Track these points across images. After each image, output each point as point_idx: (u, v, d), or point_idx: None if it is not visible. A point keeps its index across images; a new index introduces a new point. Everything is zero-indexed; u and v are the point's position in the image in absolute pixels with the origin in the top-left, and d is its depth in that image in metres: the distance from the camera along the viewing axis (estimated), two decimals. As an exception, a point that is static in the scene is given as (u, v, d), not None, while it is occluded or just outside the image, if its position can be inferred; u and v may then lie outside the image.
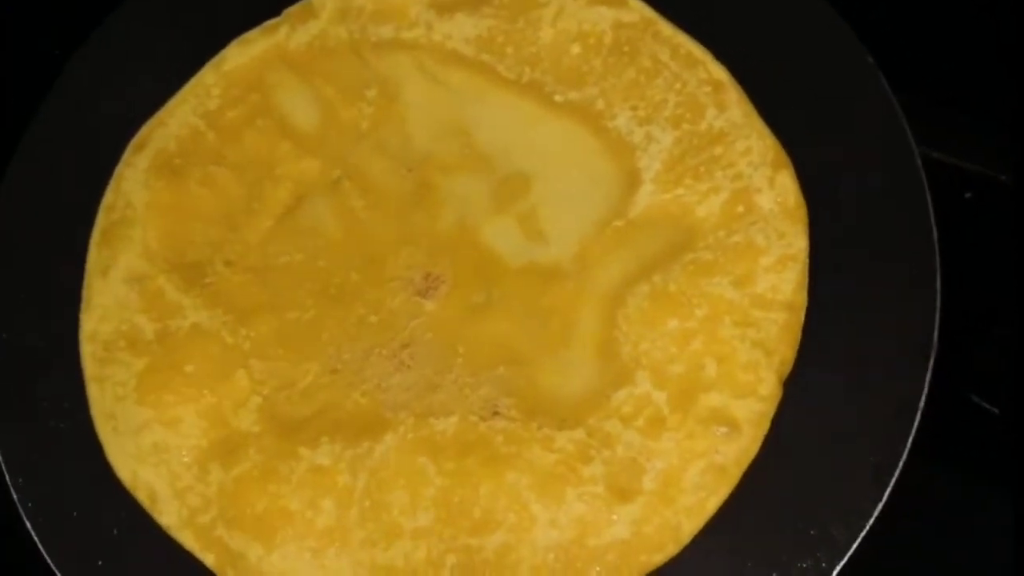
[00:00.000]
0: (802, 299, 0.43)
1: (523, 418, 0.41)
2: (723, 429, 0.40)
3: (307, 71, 0.48)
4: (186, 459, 0.42)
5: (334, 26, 0.48)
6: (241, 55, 0.48)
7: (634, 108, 0.47)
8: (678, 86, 0.47)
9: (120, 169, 0.45)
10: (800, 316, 0.43)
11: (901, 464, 0.40)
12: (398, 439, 0.41)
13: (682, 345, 0.41)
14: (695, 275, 0.43)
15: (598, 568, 0.39)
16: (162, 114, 0.47)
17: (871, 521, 0.40)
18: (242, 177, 0.46)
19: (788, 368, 0.42)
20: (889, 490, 0.40)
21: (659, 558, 0.39)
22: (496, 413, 0.42)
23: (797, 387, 0.42)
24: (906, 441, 0.41)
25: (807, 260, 0.44)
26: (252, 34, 0.48)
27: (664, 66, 0.47)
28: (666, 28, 0.47)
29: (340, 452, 0.41)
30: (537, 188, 0.47)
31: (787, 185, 0.44)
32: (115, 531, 0.42)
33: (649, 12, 0.47)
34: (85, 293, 0.44)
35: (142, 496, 0.41)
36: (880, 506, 0.40)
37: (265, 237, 0.46)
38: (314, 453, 0.41)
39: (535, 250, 0.46)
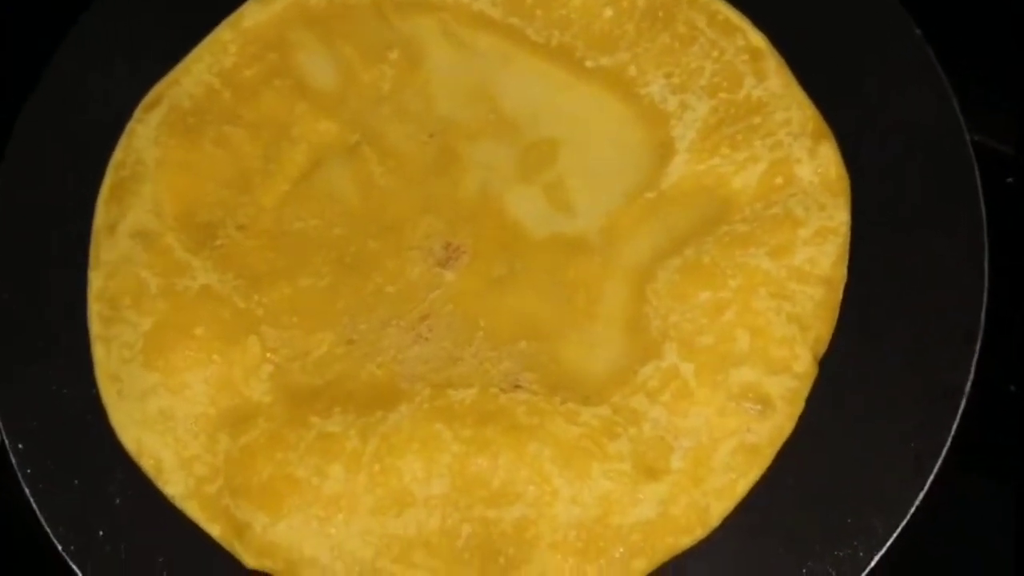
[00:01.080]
0: (841, 274, 0.41)
1: (546, 392, 0.40)
2: (755, 406, 0.39)
3: (327, 30, 0.47)
4: (193, 427, 0.41)
5: (358, -16, 0.47)
6: (260, 12, 0.47)
7: (668, 75, 0.46)
8: (715, 54, 0.45)
9: (131, 126, 0.45)
10: (838, 292, 0.41)
11: (944, 452, 0.39)
12: (413, 408, 0.40)
13: (713, 316, 0.40)
14: (730, 246, 0.42)
15: (622, 549, 0.38)
16: (176, 72, 0.46)
17: (912, 510, 0.38)
18: (257, 137, 0.45)
19: (824, 346, 0.41)
20: (931, 478, 0.39)
21: (686, 540, 0.38)
22: (518, 386, 0.41)
23: (833, 367, 0.41)
24: (950, 428, 0.39)
25: (848, 234, 0.42)
26: (271, -10, 0.47)
27: (700, 32, 0.46)
28: (703, -8, 0.46)
29: (352, 421, 0.40)
30: (564, 157, 0.46)
31: (829, 156, 0.43)
32: (118, 500, 0.40)
33: (686, -24, 0.46)
34: (92, 251, 0.43)
35: (147, 464, 0.40)
36: (921, 495, 0.39)
37: (280, 201, 0.45)
38: (325, 422, 0.40)
39: (561, 221, 0.45)
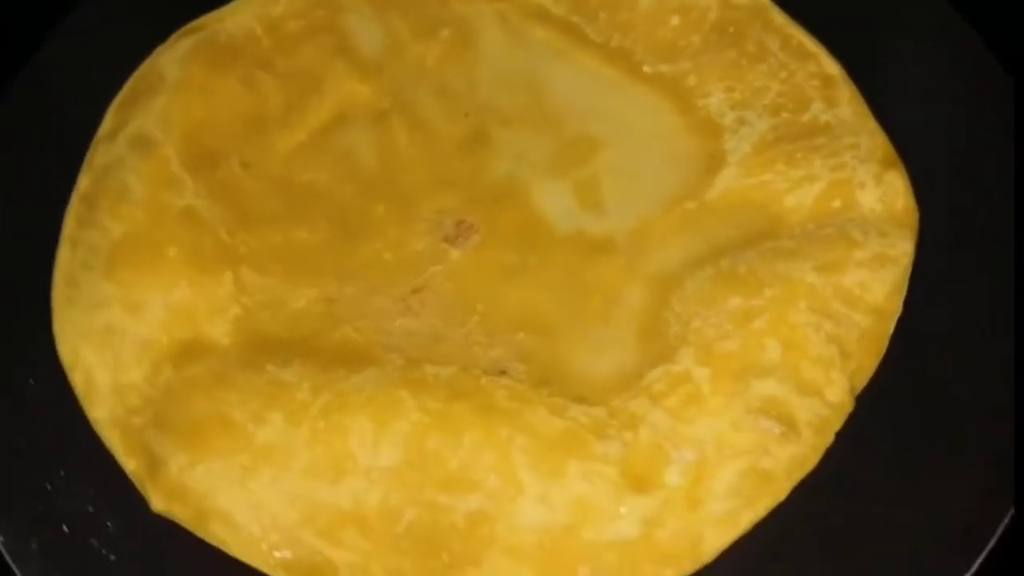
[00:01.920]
0: (895, 306, 0.36)
1: (534, 383, 0.35)
2: (777, 426, 0.33)
3: (382, 2, 0.46)
4: (139, 352, 0.37)
5: (422, -39, 0.46)
6: (319, -30, 0.46)
7: (729, 90, 0.43)
8: (783, 75, 0.42)
9: (160, 49, 0.43)
10: (889, 326, 0.36)
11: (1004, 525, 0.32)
12: (381, 374, 0.35)
13: (741, 322, 0.35)
14: (772, 259, 0.37)
15: (588, 569, 0.31)
16: (222, 11, 0.45)
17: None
18: (285, 87, 0.43)
19: (864, 380, 0.35)
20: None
21: (669, 573, 0.31)
22: (503, 372, 0.36)
23: (873, 407, 0.35)
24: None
25: (909, 267, 0.37)
26: (334, -48, 0.47)
27: (771, 54, 0.43)
28: (778, 16, 0.44)
29: (310, 375, 0.35)
30: (604, 156, 0.42)
31: (897, 184, 0.39)
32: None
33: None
34: (88, 156, 0.41)
35: (78, 380, 0.36)
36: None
37: (293, 150, 0.42)
38: (280, 370, 0.36)
39: (587, 220, 0.41)
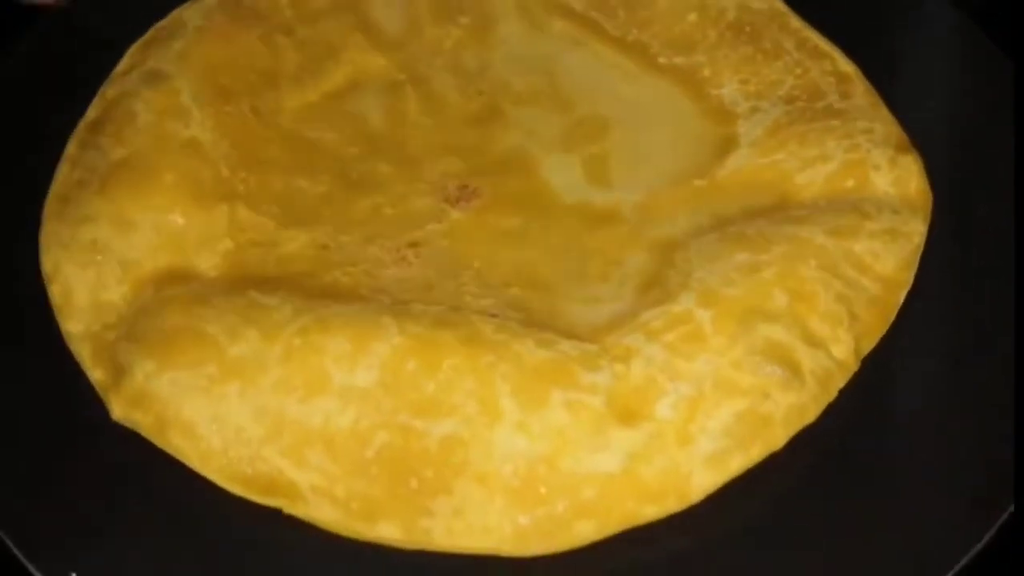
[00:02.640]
0: (905, 277, 0.35)
1: (526, 323, 0.34)
2: (780, 370, 0.31)
3: (407, -15, 0.47)
4: (121, 273, 0.36)
5: (448, -46, 0.48)
6: (347, -49, 0.48)
7: (744, 82, 0.43)
8: (799, 71, 0.43)
9: (186, 4, 0.44)
10: (898, 297, 0.35)
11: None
12: (365, 306, 0.34)
13: (748, 273, 0.33)
14: (781, 223, 0.36)
15: (566, 502, 0.29)
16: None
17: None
18: (302, 51, 0.44)
19: (870, 344, 0.34)
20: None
21: (652, 511, 0.29)
22: (494, 316, 0.35)
23: (879, 377, 0.33)
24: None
25: (921, 245, 0.36)
26: (364, -61, 0.48)
27: (786, 52, 0.43)
28: (795, 21, 0.45)
29: (293, 301, 0.34)
30: (614, 136, 0.42)
31: (911, 168, 0.38)
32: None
33: (780, 4, 0.45)
34: (101, 89, 0.41)
35: (56, 292, 0.35)
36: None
37: (303, 108, 0.43)
38: (263, 296, 0.35)
39: (594, 192, 0.40)
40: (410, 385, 0.31)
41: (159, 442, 0.32)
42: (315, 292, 0.36)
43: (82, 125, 0.40)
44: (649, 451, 0.30)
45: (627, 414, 0.30)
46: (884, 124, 0.40)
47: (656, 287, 0.35)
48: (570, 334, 0.34)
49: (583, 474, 0.29)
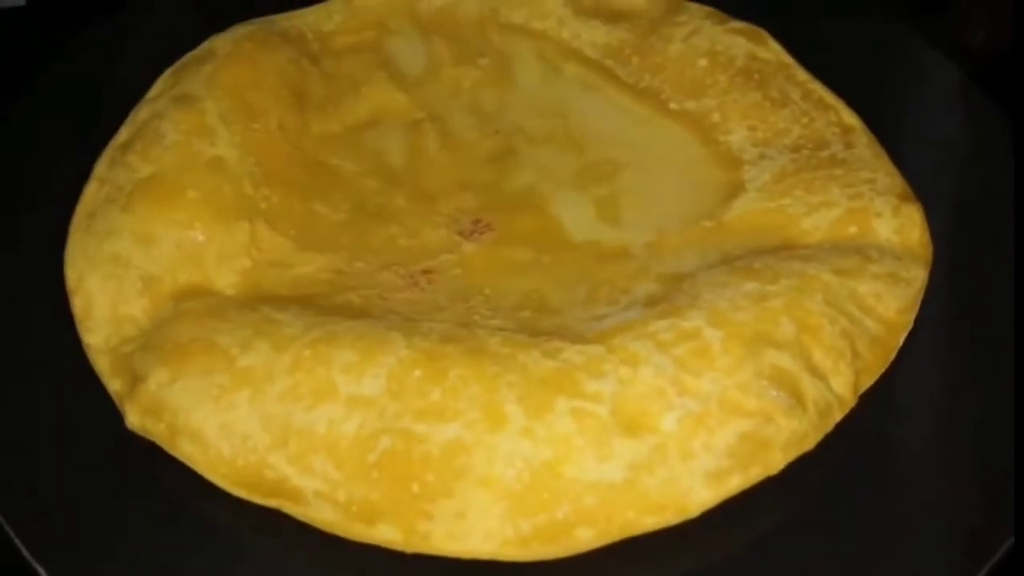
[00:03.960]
0: (906, 321, 0.37)
1: (532, 333, 0.35)
2: (786, 396, 0.32)
3: (428, 29, 0.50)
4: (141, 286, 0.37)
5: (469, 1, 0.51)
6: (373, -2, 0.51)
7: (752, 128, 0.45)
8: (805, 120, 0.45)
9: (216, 35, 0.47)
10: (898, 339, 0.36)
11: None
12: (376, 322, 0.36)
13: (757, 300, 0.35)
14: (788, 259, 0.38)
15: (567, 509, 0.30)
16: (278, 16, 0.49)
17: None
18: (327, 82, 0.47)
19: (868, 383, 0.35)
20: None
21: (652, 522, 0.30)
22: (501, 330, 0.36)
23: (879, 408, 0.35)
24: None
25: (922, 291, 0.38)
26: (390, -13, 0.51)
27: (793, 102, 0.46)
28: (801, 73, 0.47)
29: (306, 316, 0.36)
30: (625, 177, 0.44)
31: (914, 217, 0.40)
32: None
33: (787, 57, 0.47)
34: (132, 112, 0.43)
35: (78, 304, 0.37)
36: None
37: (327, 136, 0.45)
38: (276, 312, 0.36)
39: (604, 230, 0.42)
40: (415, 393, 0.32)
41: (170, 449, 0.33)
42: (327, 310, 0.37)
43: (112, 145, 0.42)
44: (651, 462, 0.31)
45: (632, 424, 0.31)
46: (887, 174, 0.42)
47: (663, 303, 0.36)
48: (577, 339, 0.35)
49: (586, 481, 0.30)
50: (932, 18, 0.59)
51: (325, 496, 0.32)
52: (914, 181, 0.42)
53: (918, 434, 0.35)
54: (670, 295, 0.36)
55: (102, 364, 0.36)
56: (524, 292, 0.39)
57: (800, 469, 0.32)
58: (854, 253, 0.38)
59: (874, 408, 0.35)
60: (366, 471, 0.31)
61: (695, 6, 0.50)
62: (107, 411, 0.35)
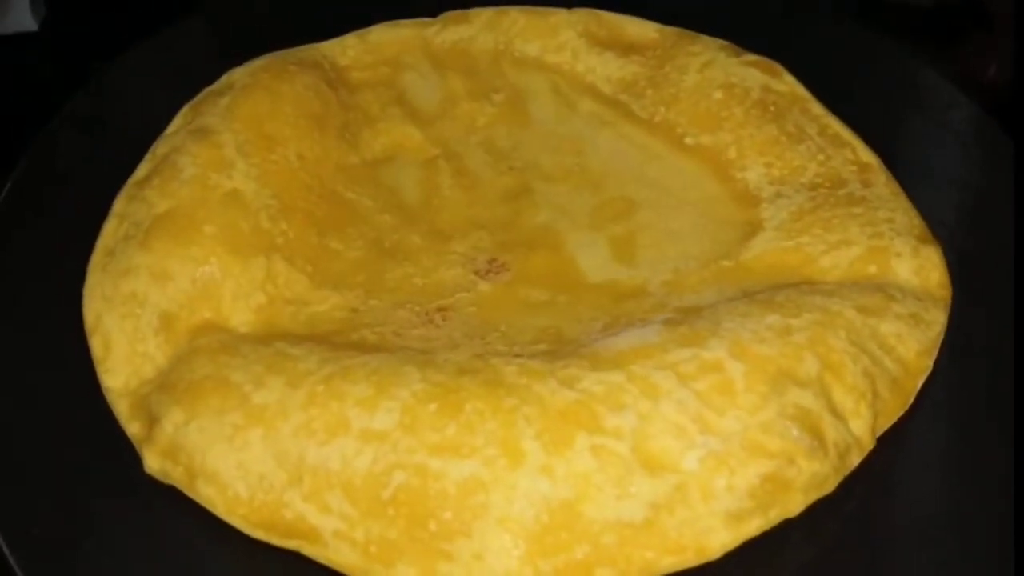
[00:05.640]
0: (925, 365, 0.37)
1: (548, 359, 0.35)
2: (808, 438, 0.33)
3: (443, 64, 0.51)
4: (156, 323, 0.38)
5: (483, 33, 0.52)
6: (386, 32, 0.52)
7: (768, 165, 0.46)
8: (821, 157, 0.46)
9: (234, 68, 0.48)
10: (917, 382, 0.37)
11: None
12: (391, 356, 0.36)
13: (780, 333, 0.35)
14: (811, 294, 0.38)
15: (587, 549, 0.31)
16: (295, 49, 0.50)
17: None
18: (345, 112, 0.47)
19: (885, 426, 0.36)
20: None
21: (671, 562, 0.31)
22: (518, 356, 0.36)
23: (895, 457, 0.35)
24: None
25: (942, 334, 0.39)
26: (404, 22, 0.53)
27: (809, 137, 0.46)
28: (816, 107, 0.48)
29: (320, 351, 0.37)
30: (641, 216, 0.45)
31: (933, 259, 0.41)
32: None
33: (802, 90, 0.48)
34: (152, 147, 0.44)
35: (96, 344, 0.38)
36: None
37: (344, 168, 0.46)
38: (290, 347, 0.37)
39: (620, 271, 0.43)
40: (430, 427, 0.33)
41: (190, 492, 0.34)
42: (342, 347, 0.38)
43: (131, 181, 0.43)
44: (672, 501, 0.31)
45: (652, 462, 0.32)
46: (905, 214, 0.43)
47: (683, 325, 0.36)
48: (594, 359, 0.35)
49: (605, 521, 0.31)
50: (947, 52, 0.60)
51: (343, 535, 0.32)
52: (931, 220, 0.43)
53: (935, 481, 0.35)
54: (689, 319, 0.37)
55: (121, 408, 0.37)
56: (541, 328, 0.40)
57: (818, 511, 0.33)
58: (876, 291, 0.39)
59: (891, 451, 0.35)
60: (382, 508, 0.32)
61: (708, 38, 0.51)
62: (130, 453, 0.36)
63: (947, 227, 0.43)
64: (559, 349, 0.37)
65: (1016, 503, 0.34)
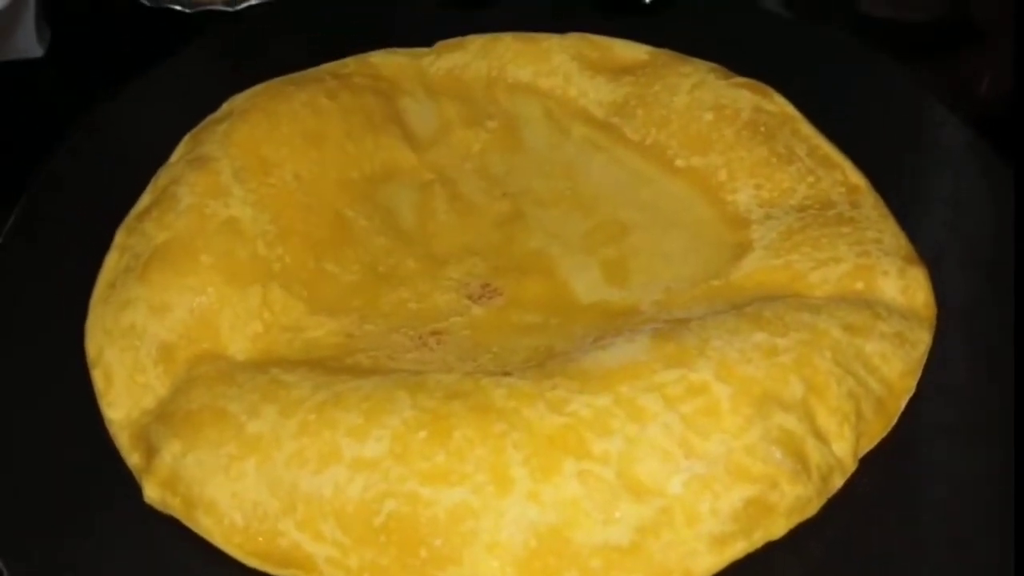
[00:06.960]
0: (909, 385, 0.38)
1: (537, 378, 0.37)
2: (791, 462, 0.34)
3: (438, 91, 0.52)
4: (155, 354, 0.39)
5: (477, 60, 0.53)
6: (384, 56, 0.53)
7: (758, 187, 0.47)
8: (811, 179, 0.47)
9: (235, 95, 0.49)
10: (900, 403, 0.38)
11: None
12: (383, 379, 0.38)
13: (767, 354, 0.36)
14: (799, 309, 0.39)
15: (574, 574, 0.32)
16: (295, 73, 0.51)
17: None
18: (346, 119, 0.48)
19: (867, 447, 0.36)
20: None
21: (656, 586, 0.32)
22: (507, 374, 0.37)
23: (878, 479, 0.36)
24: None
25: (926, 355, 0.39)
26: (400, 51, 0.54)
27: (799, 158, 0.47)
28: (806, 127, 0.49)
29: (313, 377, 0.38)
30: (633, 239, 0.46)
31: (919, 280, 0.42)
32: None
33: (791, 110, 0.49)
34: (154, 178, 0.45)
35: (98, 376, 0.39)
36: None
37: (344, 182, 0.46)
38: (284, 374, 0.38)
39: (612, 293, 0.44)
40: (419, 455, 0.34)
41: (188, 522, 0.35)
42: (336, 371, 0.39)
43: (132, 214, 0.44)
44: (658, 525, 0.32)
45: (638, 487, 0.33)
46: (893, 236, 0.43)
47: (671, 342, 0.37)
48: (583, 379, 0.36)
49: (592, 546, 0.32)
50: (940, 66, 0.60)
51: (337, 563, 0.33)
52: (919, 241, 0.44)
53: (919, 501, 0.36)
54: (676, 331, 0.38)
55: (122, 440, 0.38)
56: (532, 347, 0.41)
57: (801, 534, 0.34)
58: (863, 308, 0.40)
59: (875, 473, 0.36)
60: (374, 535, 0.33)
61: (698, 60, 0.52)
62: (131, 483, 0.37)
63: (936, 248, 0.44)
64: (548, 362, 0.38)
65: (1001, 524, 0.34)
